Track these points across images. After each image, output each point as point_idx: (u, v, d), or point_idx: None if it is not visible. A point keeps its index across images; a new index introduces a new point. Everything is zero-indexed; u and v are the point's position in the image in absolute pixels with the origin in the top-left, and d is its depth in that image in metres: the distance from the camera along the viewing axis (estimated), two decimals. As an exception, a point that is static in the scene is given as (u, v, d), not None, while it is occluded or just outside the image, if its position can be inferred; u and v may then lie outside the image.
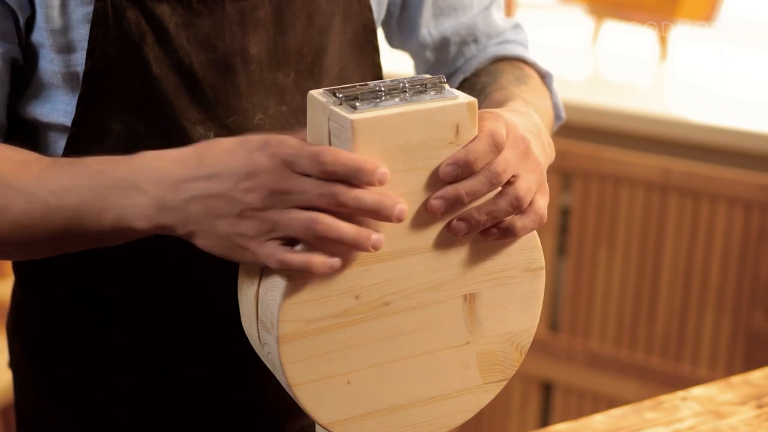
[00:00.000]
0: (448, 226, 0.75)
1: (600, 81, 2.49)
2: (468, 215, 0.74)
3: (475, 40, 1.06)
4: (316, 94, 0.76)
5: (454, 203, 0.73)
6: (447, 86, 0.75)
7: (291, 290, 0.72)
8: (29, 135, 0.91)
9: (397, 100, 0.73)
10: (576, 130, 2.23)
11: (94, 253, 0.87)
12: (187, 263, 0.91)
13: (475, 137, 0.74)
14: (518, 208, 0.75)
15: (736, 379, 1.18)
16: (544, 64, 1.08)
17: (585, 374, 2.27)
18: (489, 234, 0.75)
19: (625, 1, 2.44)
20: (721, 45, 2.56)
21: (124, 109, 0.87)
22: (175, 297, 0.93)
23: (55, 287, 0.95)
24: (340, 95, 0.73)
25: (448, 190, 0.73)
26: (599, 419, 1.10)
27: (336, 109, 0.73)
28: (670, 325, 2.20)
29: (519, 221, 0.75)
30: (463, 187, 0.73)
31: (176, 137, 0.88)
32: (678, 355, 2.20)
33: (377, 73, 1.01)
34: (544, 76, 1.07)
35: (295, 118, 0.93)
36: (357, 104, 0.72)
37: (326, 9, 0.94)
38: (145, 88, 0.87)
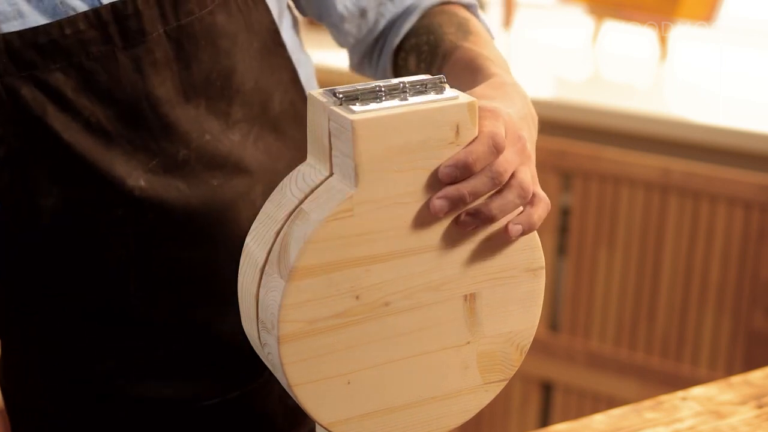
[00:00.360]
0: (457, 221, 0.74)
1: (600, 81, 2.49)
2: (477, 210, 0.74)
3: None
4: (316, 94, 0.76)
5: (457, 203, 0.73)
6: (447, 86, 0.75)
7: (291, 291, 0.72)
8: None
9: (397, 100, 0.73)
10: (576, 130, 2.23)
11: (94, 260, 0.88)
12: (192, 265, 0.91)
13: (475, 138, 0.74)
14: (525, 198, 0.75)
15: (736, 379, 1.18)
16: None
17: (585, 374, 2.27)
18: (509, 233, 0.75)
19: (625, 1, 2.44)
20: (721, 45, 2.56)
21: (50, 183, 0.87)
22: (179, 303, 0.93)
23: (50, 294, 0.95)
24: (340, 95, 0.73)
25: (450, 190, 0.73)
26: (599, 419, 1.10)
27: (336, 109, 0.73)
28: (670, 325, 2.20)
29: (535, 214, 0.75)
30: (465, 187, 0.73)
31: (110, 193, 0.89)
32: (678, 355, 2.20)
33: (292, 68, 1.00)
34: (468, 6, 1.05)
35: (221, 143, 0.93)
36: (357, 104, 0.72)
37: (228, 30, 0.94)
38: (63, 159, 0.87)
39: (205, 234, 0.92)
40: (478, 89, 0.81)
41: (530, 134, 0.82)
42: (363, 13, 1.04)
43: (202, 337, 0.95)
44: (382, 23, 1.04)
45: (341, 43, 1.06)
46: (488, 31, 1.04)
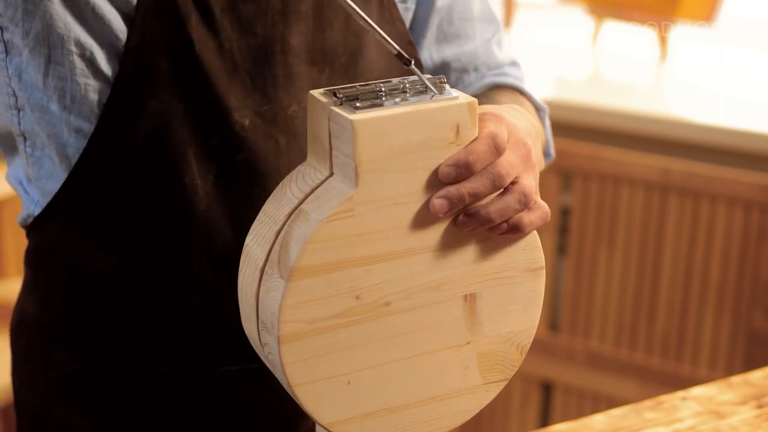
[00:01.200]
0: (455, 221, 0.75)
1: (600, 81, 2.49)
2: (476, 211, 0.74)
3: (475, 69, 1.07)
4: (316, 94, 0.76)
5: (457, 203, 0.73)
6: (447, 86, 0.75)
7: (291, 291, 0.72)
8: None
9: (397, 100, 0.73)
10: (576, 130, 2.23)
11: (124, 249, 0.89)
12: (214, 262, 0.91)
13: (476, 138, 0.74)
14: (526, 205, 0.75)
15: (736, 379, 1.18)
16: (539, 98, 1.09)
17: (585, 374, 2.27)
18: (497, 229, 0.76)
19: (625, 1, 2.45)
20: (721, 45, 2.56)
21: (162, 87, 0.87)
22: (195, 297, 0.93)
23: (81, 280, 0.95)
24: (341, 95, 0.73)
25: (451, 190, 0.73)
26: (599, 419, 1.10)
27: (336, 109, 0.73)
28: (670, 325, 2.20)
29: (526, 217, 0.76)
30: (466, 187, 0.73)
31: (212, 120, 0.89)
32: (678, 355, 2.20)
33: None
34: (539, 110, 1.08)
35: None
36: (357, 104, 0.72)
37: (363, 13, 0.96)
38: (185, 68, 0.87)
39: None
40: (488, 105, 0.82)
41: (535, 150, 0.83)
42: (444, 69, 1.06)
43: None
44: (458, 87, 1.07)
45: None
46: (546, 141, 1.07)
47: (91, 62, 0.86)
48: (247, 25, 0.89)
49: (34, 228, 0.95)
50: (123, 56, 0.86)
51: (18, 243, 2.48)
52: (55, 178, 0.90)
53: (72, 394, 0.98)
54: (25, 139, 0.90)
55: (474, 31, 1.07)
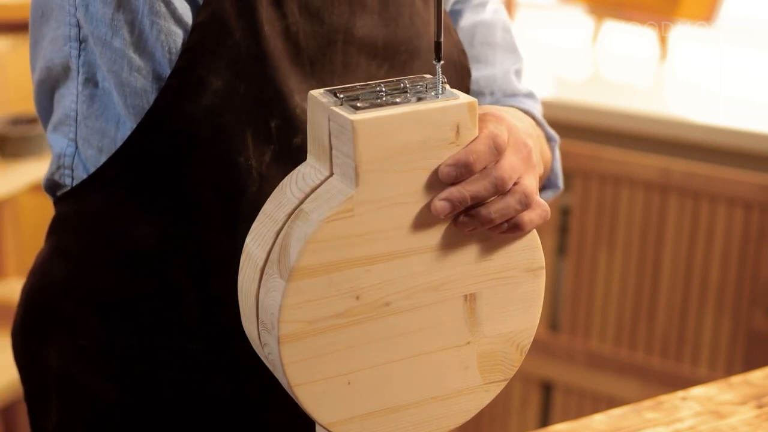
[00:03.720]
0: (455, 221, 0.75)
1: (600, 81, 2.49)
2: (477, 211, 0.74)
3: (491, 93, 1.07)
4: (316, 94, 0.76)
5: (459, 205, 0.73)
6: (447, 86, 0.75)
7: (291, 291, 0.72)
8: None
9: (397, 100, 0.73)
10: (576, 130, 2.23)
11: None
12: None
13: (476, 138, 0.74)
14: (527, 205, 0.75)
15: (736, 379, 1.18)
16: (552, 130, 1.09)
17: (585, 374, 2.27)
18: (498, 228, 0.76)
19: (625, 1, 2.45)
20: (721, 45, 2.56)
21: (227, 64, 0.88)
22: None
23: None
24: (341, 95, 0.74)
25: (453, 192, 0.73)
26: (599, 419, 1.10)
27: (336, 109, 0.73)
28: (670, 325, 2.20)
29: (526, 215, 0.76)
30: (468, 189, 0.73)
31: (273, 101, 0.89)
32: (678, 355, 2.20)
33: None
34: (550, 139, 1.08)
35: None
36: (358, 104, 0.72)
37: (424, 15, 0.97)
38: (251, 48, 0.88)
39: None
40: (489, 106, 0.82)
41: (535, 150, 0.83)
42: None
43: None
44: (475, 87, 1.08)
45: None
46: (554, 172, 1.08)
47: (167, 4, 0.87)
48: (314, 12, 0.91)
49: (75, 193, 0.94)
50: (191, 30, 0.87)
51: (18, 243, 2.48)
52: (107, 118, 0.90)
53: (100, 362, 0.97)
54: (79, 73, 0.90)
55: (495, 58, 1.07)
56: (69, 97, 0.93)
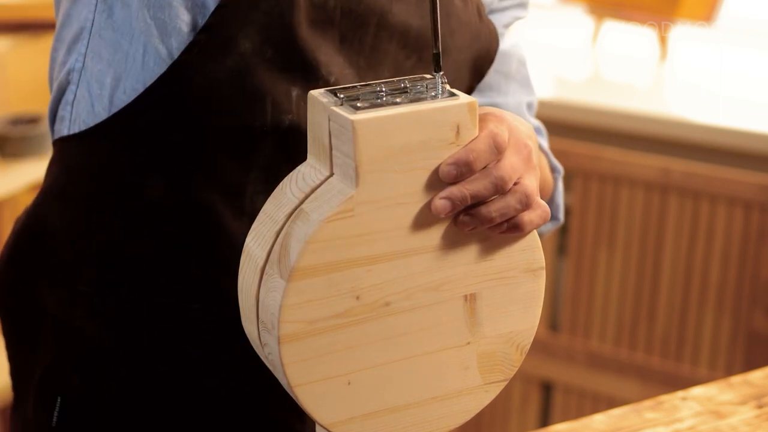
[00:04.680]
0: (455, 220, 0.75)
1: (600, 81, 2.49)
2: (477, 210, 0.74)
3: None
4: (316, 94, 0.76)
5: (459, 204, 0.73)
6: (447, 86, 0.75)
7: (292, 291, 0.72)
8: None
9: (398, 100, 0.73)
10: (576, 130, 2.23)
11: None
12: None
13: (476, 137, 0.74)
14: (528, 206, 0.75)
15: (736, 379, 1.18)
16: (555, 160, 1.09)
17: (585, 374, 2.27)
18: (497, 228, 0.76)
19: (625, 1, 2.45)
20: (721, 45, 2.56)
21: (257, 29, 0.87)
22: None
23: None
24: (341, 95, 0.73)
25: (454, 191, 0.73)
26: (599, 419, 1.10)
27: (337, 109, 0.73)
28: (670, 325, 2.20)
29: (526, 216, 0.76)
30: (468, 189, 0.73)
31: (298, 72, 0.89)
32: (678, 355, 2.20)
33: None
34: (554, 170, 1.08)
35: None
36: (358, 104, 0.72)
37: (461, 16, 0.97)
38: (285, 15, 0.87)
39: None
40: (490, 107, 0.82)
41: (535, 153, 0.83)
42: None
43: None
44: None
45: None
46: (554, 203, 1.08)
47: None
48: None
49: (81, 137, 0.93)
50: None
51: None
52: (123, 32, 0.89)
53: (99, 308, 0.95)
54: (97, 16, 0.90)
55: (508, 89, 1.07)
56: (87, 7, 0.92)
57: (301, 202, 0.75)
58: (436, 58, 0.76)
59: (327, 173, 0.75)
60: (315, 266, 0.72)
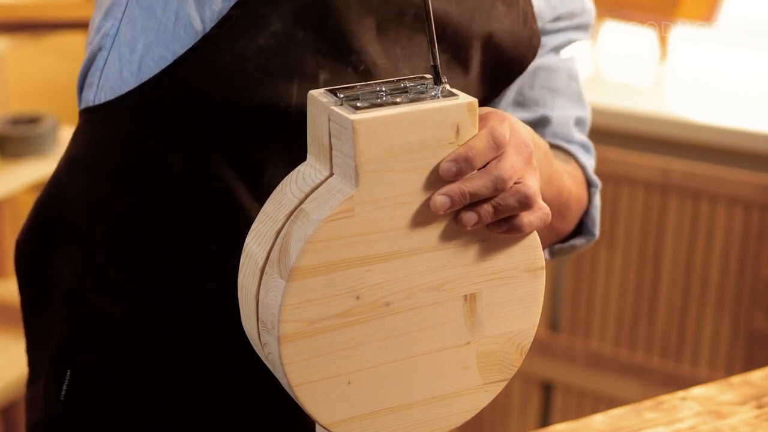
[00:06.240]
0: (456, 217, 0.75)
1: (600, 81, 2.49)
2: (475, 208, 0.74)
3: (542, 134, 1.05)
4: (316, 93, 0.76)
5: (459, 201, 0.73)
6: (448, 86, 0.75)
7: (292, 291, 0.72)
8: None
9: (398, 100, 0.73)
10: (576, 130, 2.23)
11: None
12: None
13: (476, 135, 0.74)
14: (526, 206, 0.75)
15: (736, 379, 1.18)
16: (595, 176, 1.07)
17: (585, 374, 2.27)
18: (497, 228, 0.76)
19: (625, 1, 2.44)
20: (721, 45, 2.56)
21: (293, 9, 0.87)
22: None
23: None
24: (341, 95, 0.74)
25: (453, 188, 0.73)
26: (599, 419, 1.10)
27: (336, 109, 0.73)
28: (670, 325, 2.20)
29: (526, 217, 0.76)
30: (468, 186, 0.73)
31: (327, 56, 0.88)
32: (678, 355, 2.20)
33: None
34: (591, 185, 1.07)
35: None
36: (358, 104, 0.72)
37: (504, 21, 0.95)
38: None
39: None
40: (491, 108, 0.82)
41: (536, 153, 0.83)
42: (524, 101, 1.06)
43: None
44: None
45: None
46: (590, 216, 1.09)
47: None
48: None
49: (105, 108, 0.93)
50: None
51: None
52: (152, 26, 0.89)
53: (115, 282, 0.95)
54: None
55: (554, 103, 1.06)
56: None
57: (301, 202, 0.75)
58: (435, 71, 0.75)
59: (327, 173, 0.75)
60: (315, 266, 0.72)
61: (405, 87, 0.75)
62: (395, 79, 0.76)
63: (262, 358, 0.78)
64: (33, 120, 2.22)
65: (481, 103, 1.01)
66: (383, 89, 0.74)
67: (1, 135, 2.15)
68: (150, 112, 0.91)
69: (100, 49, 0.93)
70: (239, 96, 0.89)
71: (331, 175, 0.75)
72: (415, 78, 0.77)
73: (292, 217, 0.74)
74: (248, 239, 0.78)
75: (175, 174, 0.92)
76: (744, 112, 2.17)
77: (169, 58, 0.89)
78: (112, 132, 0.94)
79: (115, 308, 0.95)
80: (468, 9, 0.93)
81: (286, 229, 0.74)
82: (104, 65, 0.93)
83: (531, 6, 1.00)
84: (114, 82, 0.92)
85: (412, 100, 0.73)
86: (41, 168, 2.15)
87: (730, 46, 2.55)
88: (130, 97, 0.91)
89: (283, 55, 0.87)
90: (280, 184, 0.79)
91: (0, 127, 2.18)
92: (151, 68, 0.90)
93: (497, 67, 1.00)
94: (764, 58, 2.50)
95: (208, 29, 0.88)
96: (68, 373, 0.96)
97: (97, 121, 0.95)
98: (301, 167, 0.78)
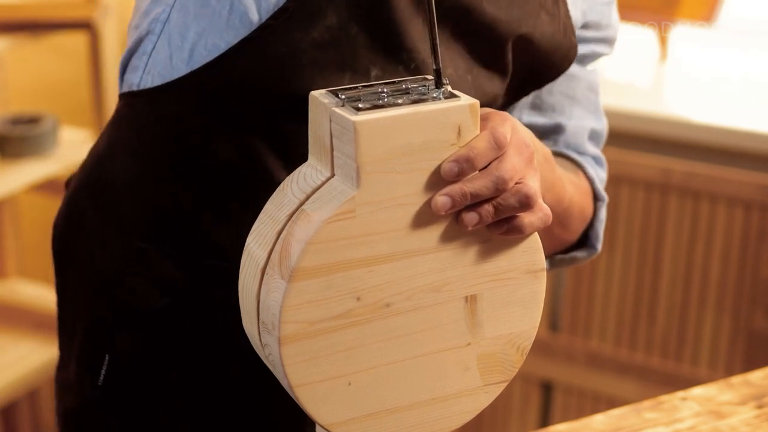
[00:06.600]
0: (457, 218, 0.75)
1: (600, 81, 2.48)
2: (476, 209, 0.74)
3: (555, 142, 1.06)
4: (317, 94, 0.76)
5: (460, 202, 0.73)
6: (449, 88, 0.75)
7: (292, 291, 0.72)
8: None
9: (399, 101, 0.73)
10: (576, 130, 2.23)
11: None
12: None
13: (477, 135, 0.74)
14: (527, 206, 0.75)
15: (736, 379, 1.18)
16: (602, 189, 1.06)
17: (585, 374, 2.27)
18: (498, 228, 0.76)
19: (625, 1, 2.44)
20: (722, 45, 2.56)
21: (348, 4, 0.87)
22: None
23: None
24: (343, 96, 0.74)
25: (454, 189, 0.73)
26: (599, 419, 1.10)
27: (338, 110, 0.73)
28: (670, 325, 2.20)
29: (527, 218, 0.76)
30: (469, 187, 0.73)
31: (380, 52, 0.88)
32: (678, 355, 2.20)
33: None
34: (598, 198, 1.06)
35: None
36: (359, 105, 0.72)
37: (545, 30, 0.96)
38: None
39: None
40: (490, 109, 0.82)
41: (537, 154, 0.83)
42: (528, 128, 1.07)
43: None
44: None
45: None
46: (594, 229, 1.09)
47: None
48: None
49: (152, 94, 0.93)
50: None
51: (18, 243, 2.48)
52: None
53: (155, 266, 0.95)
54: None
55: (571, 112, 1.06)
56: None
57: (302, 203, 0.75)
58: (437, 73, 0.75)
59: (328, 174, 0.75)
60: (316, 267, 0.72)
61: (406, 88, 0.75)
62: (397, 80, 0.76)
63: (263, 359, 0.78)
64: (33, 120, 2.22)
65: (502, 106, 1.01)
66: (385, 90, 0.74)
67: (1, 135, 2.15)
68: (201, 100, 0.91)
69: (148, 33, 0.93)
70: (292, 87, 0.88)
71: (333, 176, 0.75)
72: (416, 79, 0.77)
73: (293, 218, 0.74)
74: (249, 239, 0.78)
75: (223, 162, 0.92)
76: (744, 112, 2.17)
77: (222, 47, 0.89)
78: (159, 117, 0.93)
79: (153, 294, 0.95)
80: (515, 16, 0.94)
81: (287, 230, 0.74)
82: (152, 50, 0.93)
83: (570, 20, 1.00)
84: (162, 67, 0.92)
85: (413, 102, 0.73)
86: (41, 168, 2.15)
87: (730, 46, 2.55)
88: (180, 83, 0.91)
89: (336, 49, 0.87)
90: (281, 185, 0.79)
91: (0, 127, 2.18)
92: (203, 56, 0.90)
93: (531, 71, 1.00)
94: (764, 58, 2.50)
95: (263, 20, 0.88)
96: (106, 358, 0.96)
97: (142, 105, 0.94)
98: (302, 168, 0.78)
